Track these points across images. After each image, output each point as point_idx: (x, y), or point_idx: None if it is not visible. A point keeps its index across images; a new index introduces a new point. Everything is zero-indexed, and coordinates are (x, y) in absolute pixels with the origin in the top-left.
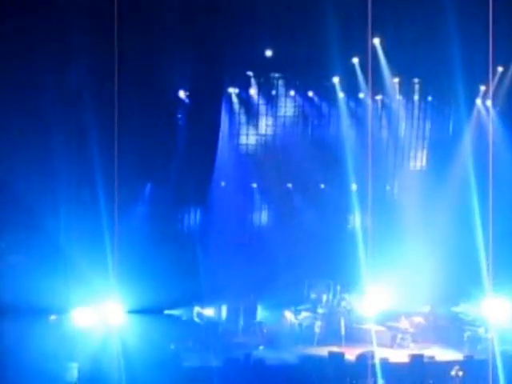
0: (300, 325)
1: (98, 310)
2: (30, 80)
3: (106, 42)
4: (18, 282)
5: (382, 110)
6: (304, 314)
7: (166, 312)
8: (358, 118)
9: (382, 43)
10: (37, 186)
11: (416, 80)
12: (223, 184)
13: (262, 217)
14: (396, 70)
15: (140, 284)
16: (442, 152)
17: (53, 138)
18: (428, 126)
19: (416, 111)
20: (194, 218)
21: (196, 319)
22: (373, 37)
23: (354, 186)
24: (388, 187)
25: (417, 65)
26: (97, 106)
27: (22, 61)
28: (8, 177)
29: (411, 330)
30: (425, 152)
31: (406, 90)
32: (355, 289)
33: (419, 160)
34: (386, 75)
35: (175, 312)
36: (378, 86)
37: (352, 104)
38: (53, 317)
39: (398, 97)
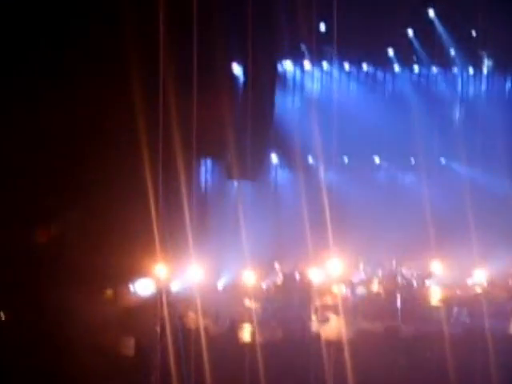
0: (354, 300)
1: (157, 282)
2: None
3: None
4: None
5: (436, 82)
6: (358, 289)
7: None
8: (411, 88)
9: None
10: None
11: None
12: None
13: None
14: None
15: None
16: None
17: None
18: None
19: (472, 83)
20: (251, 192)
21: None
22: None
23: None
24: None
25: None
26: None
27: None
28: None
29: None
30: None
31: (464, 61)
32: (411, 263)
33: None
34: (442, 46)
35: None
36: (433, 56)
37: (406, 74)
38: (109, 290)
39: (455, 69)
